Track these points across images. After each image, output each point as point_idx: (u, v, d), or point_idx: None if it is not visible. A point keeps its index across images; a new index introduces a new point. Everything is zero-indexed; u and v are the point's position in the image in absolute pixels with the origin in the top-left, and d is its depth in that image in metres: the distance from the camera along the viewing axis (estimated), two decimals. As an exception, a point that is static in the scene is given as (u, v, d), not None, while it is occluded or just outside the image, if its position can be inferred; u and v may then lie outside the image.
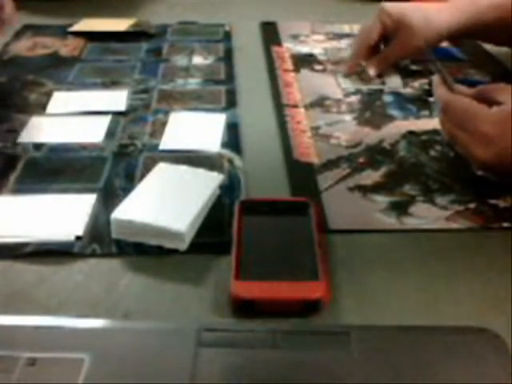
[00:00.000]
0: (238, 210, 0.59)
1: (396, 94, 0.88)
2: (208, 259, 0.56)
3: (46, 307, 0.50)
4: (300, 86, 0.91)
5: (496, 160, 0.61)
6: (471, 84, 0.93)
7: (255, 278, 0.51)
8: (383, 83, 0.89)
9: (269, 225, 0.58)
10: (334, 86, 0.91)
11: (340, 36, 1.12)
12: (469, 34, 0.89)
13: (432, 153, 0.73)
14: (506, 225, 0.61)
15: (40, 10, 1.21)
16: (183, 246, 0.56)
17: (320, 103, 0.86)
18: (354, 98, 0.87)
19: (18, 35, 1.09)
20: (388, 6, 0.87)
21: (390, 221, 0.61)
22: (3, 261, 0.55)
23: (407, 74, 0.95)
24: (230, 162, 0.71)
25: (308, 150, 0.74)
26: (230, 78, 0.93)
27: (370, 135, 0.77)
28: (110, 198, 0.64)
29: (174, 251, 0.56)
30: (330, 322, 0.49)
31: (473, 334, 0.46)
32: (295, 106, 0.85)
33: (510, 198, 0.65)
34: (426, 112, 0.84)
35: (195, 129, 0.78)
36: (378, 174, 0.69)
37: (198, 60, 1.00)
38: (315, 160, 0.72)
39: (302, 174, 0.69)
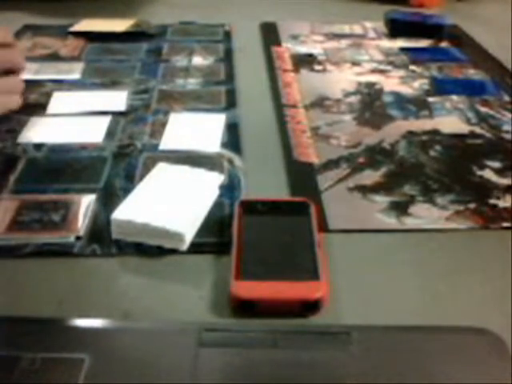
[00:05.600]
0: (238, 209, 0.59)
1: (396, 94, 0.88)
2: (208, 259, 0.56)
3: (46, 307, 0.50)
4: (300, 86, 0.91)
5: None
6: (471, 84, 0.93)
7: (255, 278, 0.51)
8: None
9: (269, 225, 0.58)
10: (334, 86, 0.92)
11: (340, 36, 1.12)
12: None
13: (432, 153, 0.73)
14: (505, 225, 0.61)
15: (40, 10, 1.21)
16: (183, 246, 0.56)
17: (320, 103, 0.86)
18: (353, 98, 0.87)
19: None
20: None
21: (390, 221, 0.61)
22: (3, 261, 0.55)
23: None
24: (230, 161, 0.71)
25: (308, 150, 0.74)
26: (230, 78, 0.93)
27: (370, 135, 0.77)
28: (109, 198, 0.64)
29: (174, 251, 0.56)
30: (330, 322, 0.49)
31: (473, 334, 0.46)
32: (295, 106, 0.85)
33: (510, 198, 0.65)
34: (426, 112, 0.84)
35: (195, 129, 0.78)
36: (377, 174, 0.69)
37: (197, 60, 1.00)
38: (315, 160, 0.72)
39: (301, 174, 0.69)
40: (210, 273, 0.54)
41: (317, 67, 0.98)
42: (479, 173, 0.69)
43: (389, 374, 0.42)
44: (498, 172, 0.70)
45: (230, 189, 0.65)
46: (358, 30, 1.15)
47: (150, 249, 0.56)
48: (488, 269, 0.55)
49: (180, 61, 1.00)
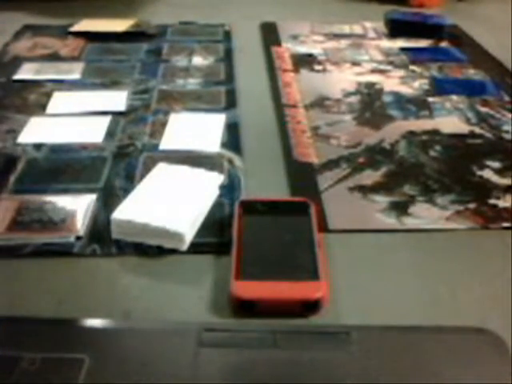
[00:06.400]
0: (238, 209, 0.59)
1: (396, 94, 0.88)
2: (208, 259, 0.56)
3: (46, 307, 0.50)
4: (300, 86, 0.91)
5: None
6: (471, 84, 0.93)
7: (255, 277, 0.51)
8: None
9: (269, 225, 0.58)
10: (334, 86, 0.92)
11: (340, 36, 1.12)
12: None
13: (432, 153, 0.73)
14: (505, 225, 0.61)
15: (40, 10, 1.21)
16: (183, 246, 0.56)
17: (320, 103, 0.86)
18: (353, 98, 0.87)
19: (17, 35, 1.09)
20: None
21: (390, 221, 0.61)
22: (3, 261, 0.55)
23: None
24: (230, 161, 0.71)
25: (308, 150, 0.74)
26: (230, 78, 0.93)
27: (370, 135, 0.77)
28: (110, 197, 0.64)
29: (174, 251, 0.56)
30: (330, 322, 0.49)
31: (473, 334, 0.46)
32: (295, 106, 0.85)
33: (510, 198, 0.65)
34: (426, 112, 0.84)
35: (195, 129, 0.78)
36: (377, 174, 0.69)
37: (197, 60, 1.00)
38: (315, 160, 0.72)
39: (301, 174, 0.69)
40: (209, 273, 0.54)
41: (317, 67, 0.98)
42: (479, 173, 0.69)
43: (388, 373, 0.42)
44: (498, 172, 0.70)
45: (229, 189, 0.65)
46: (357, 29, 1.15)
47: (149, 249, 0.56)
48: (488, 269, 0.55)
49: (180, 61, 1.00)
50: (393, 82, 0.93)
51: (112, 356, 0.43)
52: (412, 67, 0.98)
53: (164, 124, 0.79)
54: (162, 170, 0.65)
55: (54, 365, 0.42)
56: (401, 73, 0.96)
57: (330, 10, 1.25)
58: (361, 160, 0.72)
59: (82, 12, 1.18)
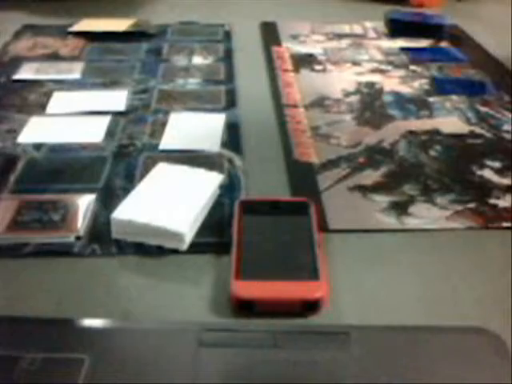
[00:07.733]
0: (238, 210, 0.59)
1: (396, 94, 0.88)
2: (208, 259, 0.56)
3: (46, 307, 0.50)
4: (300, 86, 0.91)
5: None
6: (471, 84, 0.94)
7: (255, 277, 0.51)
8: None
9: (269, 225, 0.58)
10: (334, 85, 0.92)
11: (340, 36, 1.12)
12: None
13: (432, 153, 0.73)
14: (505, 225, 0.61)
15: (40, 10, 1.21)
16: (183, 246, 0.56)
17: (320, 103, 0.86)
18: (353, 98, 0.87)
19: (17, 35, 1.09)
20: None
21: (390, 221, 0.61)
22: (3, 261, 0.55)
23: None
24: (230, 161, 0.71)
25: (308, 150, 0.74)
26: (230, 78, 0.93)
27: (370, 135, 0.77)
28: (109, 197, 0.64)
29: (174, 251, 0.56)
30: (330, 322, 0.49)
31: (473, 334, 0.46)
32: (295, 106, 0.85)
33: (510, 198, 0.65)
34: (426, 112, 0.84)
35: (195, 129, 0.78)
36: (377, 174, 0.69)
37: (197, 60, 1.00)
38: (315, 160, 0.72)
39: (302, 174, 0.69)
40: (209, 273, 0.54)
41: (317, 67, 0.98)
42: (479, 173, 0.69)
43: (389, 374, 0.42)
44: (498, 172, 0.70)
45: (230, 189, 0.65)
46: (358, 29, 1.16)
47: (150, 249, 0.57)
48: (488, 269, 0.55)
49: (180, 60, 1.00)
50: (393, 82, 0.93)
51: (112, 356, 0.43)
52: (412, 67, 0.98)
53: (164, 124, 0.79)
54: (161, 169, 0.65)
55: (54, 365, 0.42)
56: (401, 73, 0.96)
57: (330, 10, 1.25)
58: (361, 160, 0.72)
59: (82, 12, 1.18)
